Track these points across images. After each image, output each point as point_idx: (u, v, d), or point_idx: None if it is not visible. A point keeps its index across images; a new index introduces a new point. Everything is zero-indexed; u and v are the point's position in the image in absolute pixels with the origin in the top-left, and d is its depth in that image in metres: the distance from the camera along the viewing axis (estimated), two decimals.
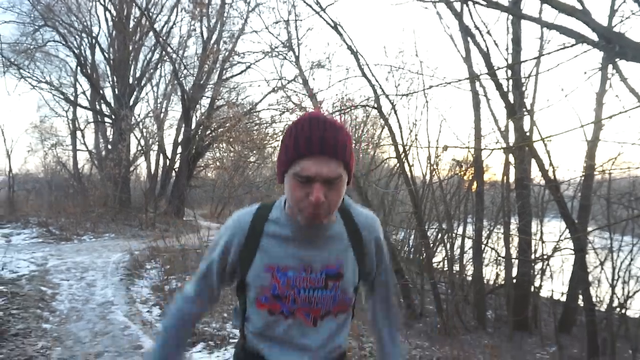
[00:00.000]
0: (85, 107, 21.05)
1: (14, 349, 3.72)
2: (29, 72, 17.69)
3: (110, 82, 19.61)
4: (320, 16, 7.25)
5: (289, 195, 1.03)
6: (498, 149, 7.37)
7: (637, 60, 3.44)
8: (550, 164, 6.65)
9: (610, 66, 4.61)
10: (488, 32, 6.74)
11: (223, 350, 3.99)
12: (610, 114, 4.35)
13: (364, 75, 7.63)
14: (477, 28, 6.61)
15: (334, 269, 1.10)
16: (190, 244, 8.83)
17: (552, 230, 9.22)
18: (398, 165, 9.30)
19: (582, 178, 7.59)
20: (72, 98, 20.65)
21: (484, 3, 4.56)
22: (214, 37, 18.94)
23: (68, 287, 6.00)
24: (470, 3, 5.80)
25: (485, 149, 7.51)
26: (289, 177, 1.02)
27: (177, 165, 19.99)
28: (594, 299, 7.09)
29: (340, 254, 1.12)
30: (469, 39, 7.50)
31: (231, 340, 4.24)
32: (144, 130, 20.83)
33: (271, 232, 1.10)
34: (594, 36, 3.70)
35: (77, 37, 19.12)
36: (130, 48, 18.76)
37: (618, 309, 7.37)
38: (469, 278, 10.54)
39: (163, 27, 19.25)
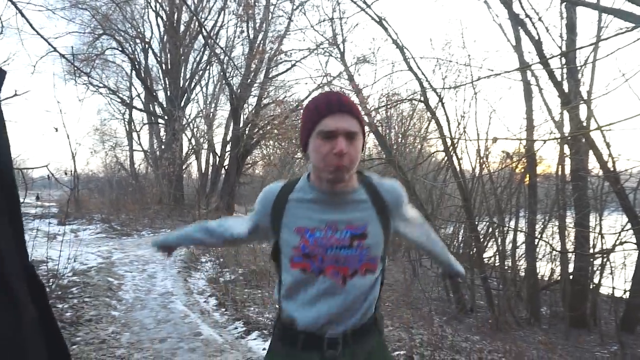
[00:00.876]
0: (139, 110, 22.14)
1: (88, 333, 4.07)
2: (93, 79, 18.87)
3: (163, 85, 20.50)
4: (366, 12, 7.28)
5: (315, 155, 1.15)
6: (551, 139, 7.11)
7: None
8: (610, 154, 6.35)
9: None
10: (540, 19, 6.52)
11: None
12: None
13: (410, 68, 7.59)
14: (528, 16, 6.41)
15: (358, 229, 1.20)
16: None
17: (612, 224, 8.77)
18: (446, 158, 9.19)
19: None
20: (127, 101, 21.76)
21: None
22: (260, 36, 19.34)
23: (132, 278, 6.42)
24: None
25: (536, 140, 7.27)
26: (313, 139, 1.15)
27: (226, 162, 20.63)
28: None
29: (364, 216, 1.22)
30: (519, 27, 7.27)
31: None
32: (195, 129, 21.63)
33: (296, 198, 1.24)
34: None
35: (131, 43, 20.12)
36: (181, 51, 19.50)
37: None
38: (522, 273, 10.24)
39: (211, 29, 19.87)
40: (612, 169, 5.99)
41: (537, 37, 6.53)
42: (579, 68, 7.42)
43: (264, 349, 3.93)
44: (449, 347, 3.56)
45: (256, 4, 16.57)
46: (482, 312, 8.87)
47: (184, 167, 21.17)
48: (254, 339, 4.20)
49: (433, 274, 11.87)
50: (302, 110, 1.29)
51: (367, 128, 1.25)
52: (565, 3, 7.45)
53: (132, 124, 22.90)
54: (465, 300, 8.90)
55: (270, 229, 1.26)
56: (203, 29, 18.34)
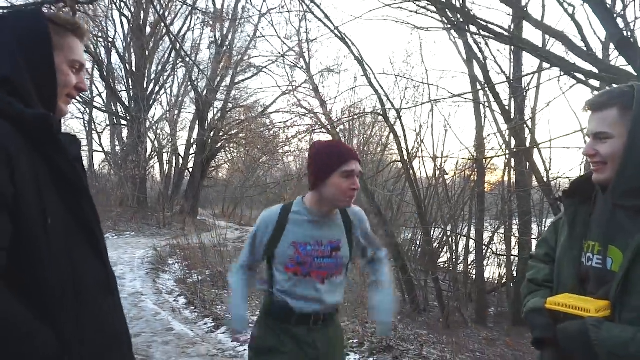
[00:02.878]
0: (101, 110, 21.76)
1: None
2: None
3: (126, 85, 20.30)
4: (331, 30, 7.78)
5: (335, 189, 1.60)
6: (492, 157, 7.86)
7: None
8: (545, 168, 7.10)
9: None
10: (492, 56, 7.24)
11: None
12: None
13: (371, 84, 8.15)
14: (481, 50, 7.11)
15: (335, 243, 1.68)
16: (206, 241, 9.43)
17: None
18: (403, 169, 9.81)
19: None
20: (88, 100, 21.33)
21: (488, 35, 5.06)
22: (227, 41, 19.59)
23: None
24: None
25: (478, 158, 8.02)
26: (335, 178, 1.59)
27: (190, 165, 20.67)
28: None
29: (339, 233, 1.70)
30: (472, 59, 7.99)
31: (250, 326, 4.79)
32: (159, 132, 21.53)
33: (294, 220, 1.68)
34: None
35: (93, 41, 19.78)
36: (147, 53, 19.44)
37: None
38: (473, 276, 11.00)
39: (179, 32, 19.92)
40: (545, 181, 6.74)
41: (483, 61, 7.23)
42: (524, 92, 8.20)
43: (232, 341, 4.31)
44: (397, 338, 4.07)
45: (224, 15, 16.82)
46: (434, 312, 9.52)
47: (147, 170, 21.04)
48: (223, 333, 4.57)
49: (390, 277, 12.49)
50: (313, 154, 1.68)
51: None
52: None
53: (93, 123, 22.51)
54: (419, 300, 9.52)
55: (267, 241, 1.68)
56: (170, 32, 18.42)
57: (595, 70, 4.21)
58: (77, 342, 0.93)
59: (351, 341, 3.79)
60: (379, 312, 1.77)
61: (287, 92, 15.79)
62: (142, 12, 19.44)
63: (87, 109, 22.10)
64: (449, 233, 10.98)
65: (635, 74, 3.39)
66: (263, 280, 1.79)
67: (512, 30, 6.95)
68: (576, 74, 4.36)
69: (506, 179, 10.70)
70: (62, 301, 0.91)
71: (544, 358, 1.26)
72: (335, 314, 1.75)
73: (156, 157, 22.36)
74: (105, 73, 19.74)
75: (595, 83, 4.79)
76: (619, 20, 3.75)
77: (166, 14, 19.29)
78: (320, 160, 1.63)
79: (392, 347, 3.56)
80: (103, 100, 22.00)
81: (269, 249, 1.68)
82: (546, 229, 1.57)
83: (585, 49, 4.67)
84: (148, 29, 19.83)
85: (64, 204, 0.95)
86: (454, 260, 11.02)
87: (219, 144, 20.43)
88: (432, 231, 11.23)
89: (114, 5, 19.55)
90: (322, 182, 1.62)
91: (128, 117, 19.11)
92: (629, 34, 3.54)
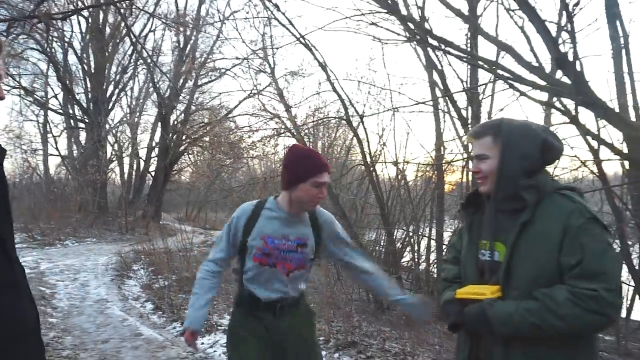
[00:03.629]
0: (57, 112, 21.02)
1: None
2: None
3: (84, 87, 19.71)
4: (297, 39, 7.96)
5: (305, 194, 1.78)
6: (450, 161, 8.28)
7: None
8: None
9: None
10: (450, 65, 7.64)
11: (212, 336, 4.63)
12: None
13: (335, 90, 8.39)
14: (439, 60, 7.49)
15: (302, 240, 1.85)
16: (172, 246, 9.37)
17: None
18: (366, 172, 10.12)
19: None
20: (42, 101, 20.55)
21: (445, 49, 5.36)
22: (190, 44, 19.41)
23: (64, 287, 6.51)
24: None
25: (436, 163, 8.45)
26: (307, 184, 1.77)
27: (152, 168, 20.31)
28: None
29: (306, 232, 1.87)
30: (431, 63, 8.37)
31: (219, 328, 4.88)
32: (119, 135, 21.03)
33: (266, 215, 1.86)
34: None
35: (49, 40, 19.10)
36: (106, 54, 18.98)
37: None
38: (435, 275, 11.42)
39: (140, 33, 19.54)
40: None
41: (441, 69, 7.60)
42: (480, 100, 8.64)
43: (202, 343, 4.41)
44: (361, 334, 4.29)
45: (186, 20, 16.68)
46: (397, 310, 9.84)
47: (107, 174, 20.50)
48: None
49: None
50: (290, 158, 1.85)
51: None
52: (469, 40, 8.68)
53: (48, 126, 21.70)
54: (382, 299, 9.83)
55: (240, 234, 1.85)
56: (131, 33, 18.07)
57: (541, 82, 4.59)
58: None
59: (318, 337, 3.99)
60: (392, 295, 1.95)
61: (251, 95, 15.86)
62: (101, 11, 18.98)
63: (42, 111, 21.33)
64: (411, 234, 11.39)
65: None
66: (235, 271, 1.94)
67: (468, 41, 7.39)
68: (522, 85, 4.71)
69: (464, 181, 11.21)
70: None
71: (460, 338, 1.55)
72: (301, 299, 1.92)
73: (116, 161, 21.85)
74: (62, 74, 19.13)
75: (539, 94, 5.21)
76: (560, 38, 4.12)
77: (126, 14, 18.93)
78: (296, 166, 1.81)
79: (357, 343, 3.77)
80: (59, 102, 21.28)
81: (244, 238, 1.84)
82: (451, 237, 1.91)
83: (535, 60, 5.08)
84: (107, 30, 19.37)
85: None
86: (416, 260, 11.42)
87: (182, 147, 20.19)
88: (395, 232, 11.63)
89: (71, 4, 18.98)
90: (294, 186, 1.80)
91: (86, 120, 18.58)
92: (569, 50, 3.89)
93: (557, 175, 7.68)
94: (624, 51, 5.21)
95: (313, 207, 1.86)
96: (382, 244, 14.49)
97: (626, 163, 5.00)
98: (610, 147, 4.11)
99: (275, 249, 1.81)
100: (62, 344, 4.25)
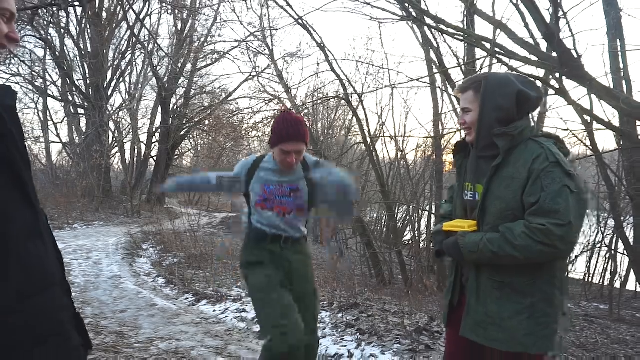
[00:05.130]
0: (56, 98, 21.11)
1: None
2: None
3: (82, 73, 19.76)
4: (295, 20, 8.08)
5: (277, 157, 2.07)
6: (447, 134, 8.45)
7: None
8: None
9: None
10: (446, 42, 7.77)
11: (223, 304, 4.92)
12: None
13: (333, 70, 8.54)
14: (435, 38, 7.61)
15: (294, 186, 2.13)
16: (177, 227, 9.66)
17: None
18: (366, 151, 10.34)
19: None
20: (42, 88, 20.63)
21: (441, 29, 5.51)
22: (187, 27, 19.40)
23: (78, 265, 6.80)
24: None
25: (434, 137, 8.60)
26: (277, 150, 2.05)
27: (154, 153, 20.52)
28: None
29: (298, 179, 2.14)
30: (428, 41, 8.50)
31: (228, 298, 5.17)
32: (119, 121, 21.16)
33: (264, 167, 2.16)
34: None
35: (44, 26, 19.07)
36: (105, 38, 18.98)
37: None
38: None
39: (137, 16, 19.50)
40: None
41: (437, 47, 7.74)
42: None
43: (214, 311, 4.70)
44: (363, 299, 4.57)
45: (184, 2, 16.66)
46: (399, 285, 10.18)
47: (110, 159, 20.71)
48: (204, 305, 4.94)
49: (357, 255, 13.12)
50: (273, 123, 2.12)
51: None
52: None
53: (48, 113, 21.83)
54: (385, 274, 10.15)
55: (244, 182, 2.16)
56: (128, 17, 18.08)
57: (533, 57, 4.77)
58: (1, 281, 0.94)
59: (321, 302, 4.27)
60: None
61: (250, 77, 15.98)
62: None
63: (41, 99, 21.43)
64: (411, 211, 11.66)
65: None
66: (245, 213, 2.25)
67: (464, 19, 7.51)
68: (515, 62, 4.89)
69: None
70: None
71: (449, 267, 1.81)
72: (303, 241, 2.21)
73: (118, 147, 22.04)
74: (60, 61, 19.16)
75: (532, 70, 5.39)
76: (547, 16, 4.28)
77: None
78: (273, 131, 2.09)
79: (359, 304, 4.05)
80: (58, 89, 21.34)
81: (246, 187, 2.15)
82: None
83: (531, 37, 5.24)
84: (104, 15, 19.33)
85: None
86: (417, 237, 11.72)
87: (183, 132, 20.36)
88: (396, 209, 11.91)
89: None
90: (271, 148, 2.12)
91: (86, 106, 18.70)
92: (554, 24, 4.07)
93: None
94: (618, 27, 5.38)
95: (287, 169, 2.10)
96: (383, 222, 14.85)
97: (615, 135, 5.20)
98: (597, 118, 4.31)
99: (271, 194, 2.11)
100: (82, 314, 4.52)
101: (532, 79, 1.76)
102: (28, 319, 0.97)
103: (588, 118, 5.96)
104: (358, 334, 3.28)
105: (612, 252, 8.56)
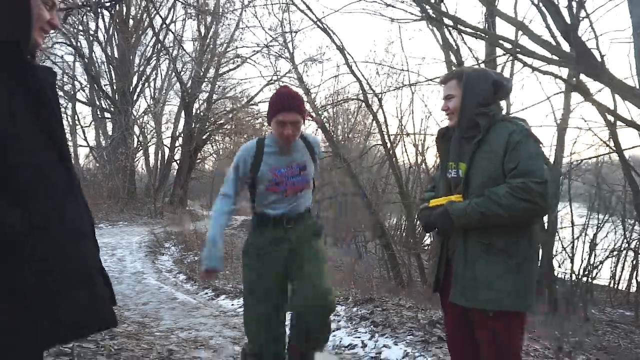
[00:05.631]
0: (85, 103, 21.80)
1: None
2: None
3: (109, 79, 20.37)
4: (315, 23, 8.21)
5: (274, 131, 2.08)
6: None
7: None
8: None
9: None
10: (465, 44, 7.78)
11: (241, 299, 5.01)
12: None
13: (352, 72, 8.62)
14: (454, 39, 7.62)
15: (302, 164, 2.14)
16: (198, 228, 9.86)
17: None
18: (386, 154, 10.36)
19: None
20: (71, 94, 21.34)
21: (461, 29, 5.53)
22: (210, 33, 19.81)
23: (103, 261, 6.98)
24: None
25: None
26: (274, 122, 2.05)
27: (177, 157, 20.94)
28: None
29: (304, 156, 2.16)
30: (447, 43, 8.49)
31: None
32: (144, 125, 21.68)
33: (268, 151, 2.13)
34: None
35: (74, 35, 19.76)
36: (131, 44, 19.54)
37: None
38: None
39: (162, 24, 20.03)
40: None
41: (456, 48, 7.74)
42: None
43: (232, 304, 4.80)
44: (378, 296, 4.61)
45: (207, 6, 17.03)
46: (417, 287, 10.12)
47: (135, 162, 21.22)
48: (223, 300, 5.06)
49: (376, 257, 13.11)
50: (269, 98, 2.13)
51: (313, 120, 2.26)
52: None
53: (76, 117, 22.54)
54: (403, 276, 10.12)
55: (249, 170, 2.11)
56: (154, 23, 18.59)
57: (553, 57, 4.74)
58: (41, 229, 1.07)
59: (337, 298, 4.34)
60: None
61: (271, 82, 16.19)
62: (124, 5, 19.52)
63: (70, 104, 22.17)
64: None
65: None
66: (247, 200, 2.23)
67: (485, 21, 7.48)
68: (535, 60, 4.86)
69: None
70: (31, 193, 1.06)
71: (436, 246, 1.98)
72: (307, 214, 2.20)
73: (142, 151, 22.56)
74: (89, 67, 19.80)
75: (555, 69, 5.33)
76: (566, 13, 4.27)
77: (150, 7, 19.42)
78: (268, 105, 2.11)
79: (374, 299, 4.09)
80: (86, 94, 22.05)
81: (252, 175, 2.11)
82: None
83: (552, 38, 5.21)
84: (130, 22, 19.92)
85: (33, 116, 1.10)
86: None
87: (205, 135, 20.74)
88: (415, 212, 11.86)
89: None
90: (268, 124, 2.11)
91: (112, 110, 19.25)
92: (573, 24, 4.06)
93: (576, 152, 7.80)
94: None
95: (285, 143, 2.07)
96: (403, 226, 14.78)
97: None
98: (619, 117, 4.26)
99: (283, 177, 2.11)
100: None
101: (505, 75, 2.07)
102: (62, 265, 1.11)
103: (611, 118, 5.89)
104: (372, 326, 3.32)
105: (639, 257, 8.33)
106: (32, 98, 1.11)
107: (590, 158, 6.34)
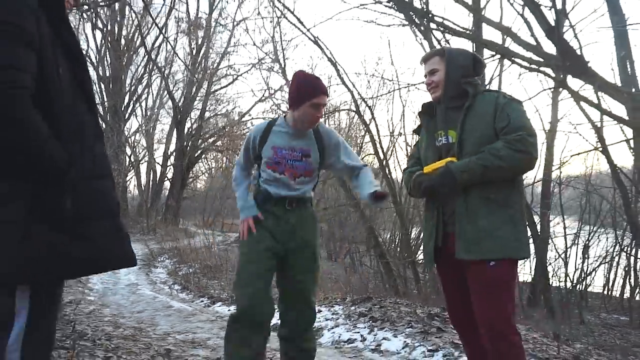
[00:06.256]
0: None
1: (74, 309, 4.68)
2: None
3: (100, 98, 20.42)
4: (304, 34, 8.36)
5: (304, 115, 2.10)
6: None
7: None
8: None
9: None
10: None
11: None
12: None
13: (343, 83, 8.74)
14: (440, 43, 7.77)
15: (306, 151, 2.17)
16: (192, 244, 9.79)
17: None
18: (379, 168, 10.45)
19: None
20: None
21: (448, 31, 5.68)
22: (202, 51, 20.02)
23: (97, 274, 6.94)
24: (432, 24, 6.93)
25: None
26: (305, 106, 2.08)
27: (169, 175, 20.89)
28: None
29: (310, 144, 2.18)
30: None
31: None
32: (135, 144, 21.66)
33: (276, 130, 2.19)
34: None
35: None
36: (123, 64, 19.67)
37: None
38: None
39: (154, 43, 20.22)
40: None
41: None
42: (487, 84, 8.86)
43: (229, 310, 4.76)
44: (376, 296, 4.61)
45: (199, 25, 17.26)
46: (413, 297, 10.09)
47: (127, 179, 21.12)
48: (219, 306, 5.01)
49: (371, 270, 13.06)
50: (294, 82, 2.15)
51: None
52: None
53: None
54: (399, 286, 10.08)
55: (257, 146, 2.20)
56: (146, 42, 18.76)
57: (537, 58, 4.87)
58: (79, 161, 1.24)
59: (334, 297, 4.33)
60: (362, 187, 2.18)
61: (264, 98, 16.34)
62: (116, 25, 19.73)
63: None
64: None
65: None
66: (253, 176, 2.32)
67: (472, 27, 7.66)
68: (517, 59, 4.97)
69: None
70: (69, 136, 1.24)
71: (427, 211, 2.02)
72: (308, 203, 2.22)
73: (134, 170, 22.47)
74: None
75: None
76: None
77: (142, 26, 19.63)
78: (298, 88, 2.12)
79: (371, 298, 4.09)
80: None
81: (259, 150, 2.19)
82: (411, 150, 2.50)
83: (536, 42, 5.36)
84: (122, 41, 20.09)
85: (70, 71, 1.28)
86: None
87: (198, 152, 20.75)
88: (410, 226, 11.88)
89: (89, 20, 19.76)
90: (296, 106, 2.12)
91: (104, 128, 19.24)
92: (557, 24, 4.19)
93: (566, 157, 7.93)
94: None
95: (311, 126, 2.15)
96: (396, 241, 14.78)
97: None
98: (604, 111, 4.36)
99: (282, 158, 2.14)
100: (102, 313, 4.64)
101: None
102: (91, 197, 1.28)
103: (598, 123, 6.01)
104: (370, 322, 3.32)
105: (632, 258, 8.38)
106: (70, 54, 1.28)
107: (579, 154, 6.43)
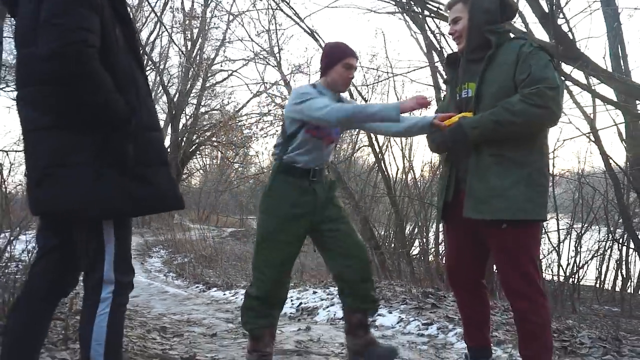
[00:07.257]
0: None
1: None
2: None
3: None
4: (300, 25, 8.36)
5: (338, 76, 2.12)
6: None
7: None
8: None
9: None
10: (449, 44, 7.97)
11: (233, 290, 4.99)
12: None
13: None
14: (438, 41, 7.82)
15: None
16: (188, 237, 9.80)
17: None
18: (376, 164, 10.48)
19: None
20: None
21: (443, 18, 5.69)
22: (197, 46, 19.95)
23: None
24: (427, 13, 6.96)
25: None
26: (338, 66, 2.10)
27: None
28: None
29: None
30: (432, 46, 8.71)
31: (238, 286, 5.24)
32: None
33: (318, 92, 2.10)
34: None
35: None
36: None
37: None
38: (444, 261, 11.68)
39: (148, 37, 20.11)
40: None
41: (440, 49, 7.93)
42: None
43: (224, 294, 4.78)
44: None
45: (194, 15, 17.21)
46: (407, 280, 10.14)
47: None
48: (215, 291, 5.02)
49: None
50: (325, 49, 2.18)
51: None
52: None
53: None
54: (393, 276, 10.12)
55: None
56: (140, 38, 18.65)
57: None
58: (137, 113, 1.40)
59: (332, 281, 4.36)
60: (413, 122, 2.07)
61: (259, 93, 16.33)
62: None
63: None
64: (420, 222, 11.64)
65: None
66: (279, 145, 2.18)
67: None
68: None
69: None
70: (125, 88, 1.38)
71: (442, 170, 2.01)
72: (326, 170, 2.23)
73: None
74: None
75: None
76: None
77: (135, 21, 19.52)
78: (330, 52, 2.14)
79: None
80: None
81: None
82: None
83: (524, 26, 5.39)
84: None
85: (119, 28, 1.43)
86: (426, 249, 11.67)
87: (193, 147, 20.70)
88: (405, 222, 11.91)
89: None
90: (329, 69, 2.12)
91: None
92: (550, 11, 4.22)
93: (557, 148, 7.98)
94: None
95: (346, 88, 2.23)
96: (391, 238, 14.80)
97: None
98: (596, 94, 4.39)
99: None
100: None
101: None
102: (147, 146, 1.42)
103: (590, 113, 6.04)
104: None
105: (624, 247, 8.44)
106: (122, 19, 1.44)
107: (572, 138, 6.44)
